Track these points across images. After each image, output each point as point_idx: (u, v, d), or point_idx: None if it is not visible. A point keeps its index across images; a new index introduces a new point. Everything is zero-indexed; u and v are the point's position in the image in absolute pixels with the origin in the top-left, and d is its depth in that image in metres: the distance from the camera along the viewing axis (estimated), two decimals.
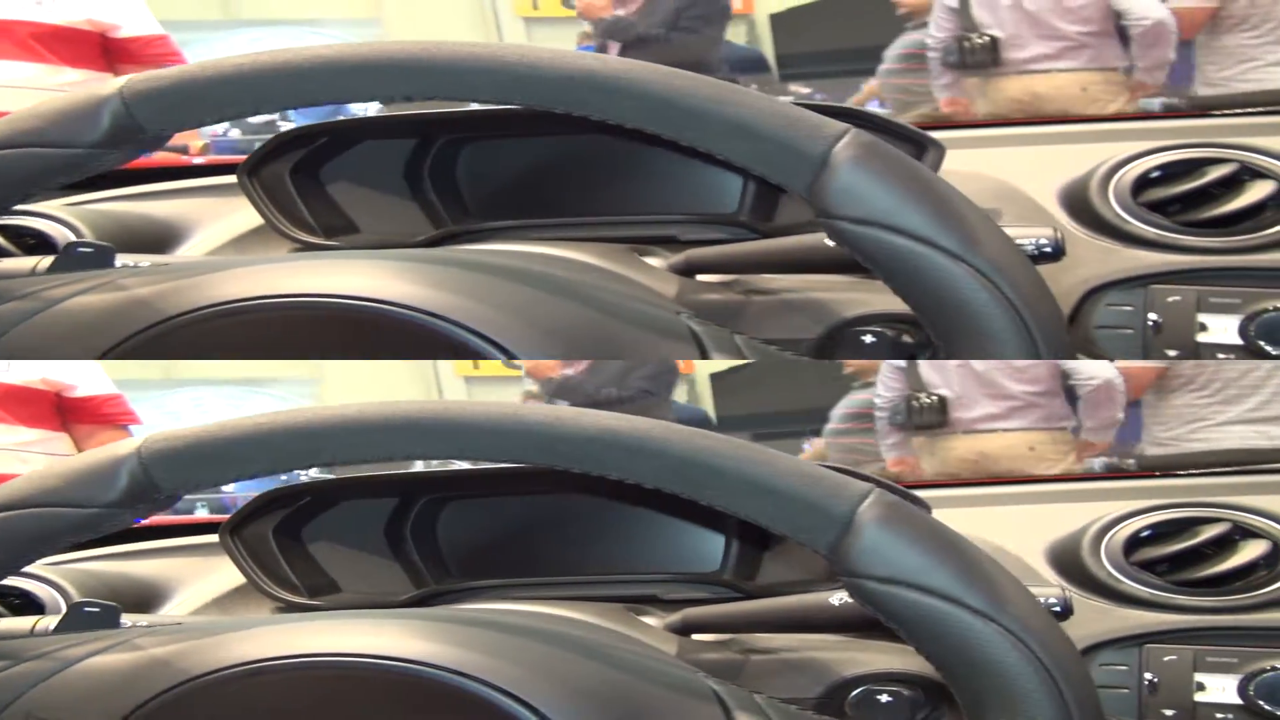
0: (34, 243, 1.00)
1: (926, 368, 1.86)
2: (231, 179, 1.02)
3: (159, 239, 1.01)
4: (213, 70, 0.55)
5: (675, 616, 0.80)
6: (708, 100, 0.51)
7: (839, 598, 0.76)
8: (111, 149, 0.57)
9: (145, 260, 0.71)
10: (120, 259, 0.72)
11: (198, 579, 1.01)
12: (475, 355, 0.55)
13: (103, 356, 0.58)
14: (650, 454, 0.49)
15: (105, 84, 0.57)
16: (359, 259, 0.59)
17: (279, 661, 0.53)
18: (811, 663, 0.78)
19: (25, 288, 0.61)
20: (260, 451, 0.53)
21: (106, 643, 0.56)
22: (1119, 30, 1.78)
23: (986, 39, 1.94)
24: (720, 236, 0.92)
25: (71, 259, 0.64)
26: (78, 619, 0.62)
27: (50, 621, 0.89)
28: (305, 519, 0.96)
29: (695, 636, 0.81)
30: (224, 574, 0.97)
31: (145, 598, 1.00)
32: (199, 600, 0.99)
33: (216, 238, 1.01)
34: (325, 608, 0.92)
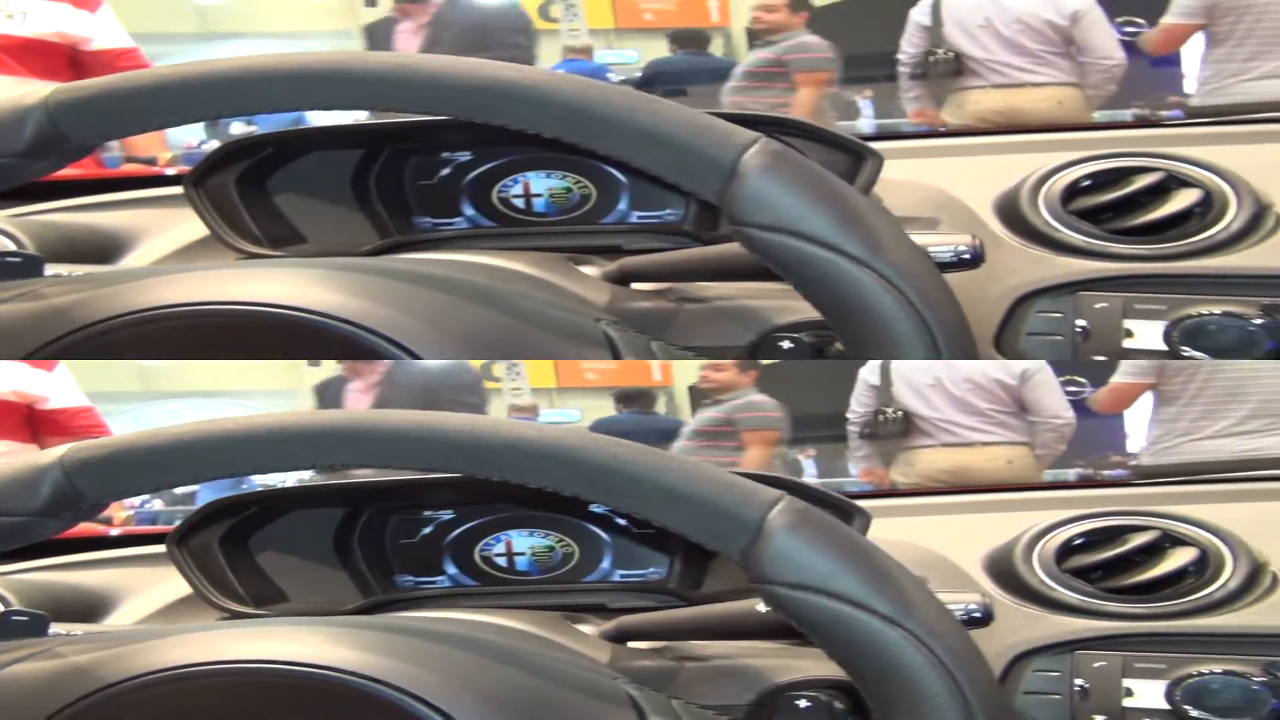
0: None
1: (901, 384, 1.90)
2: (177, 190, 1.02)
3: (103, 250, 1.01)
4: (141, 80, 0.56)
5: (610, 624, 0.80)
6: (619, 109, 0.52)
7: (763, 606, 0.76)
8: (34, 162, 0.58)
9: (78, 270, 0.71)
10: (53, 269, 0.72)
11: (145, 589, 1.01)
12: (383, 357, 0.56)
13: (27, 357, 0.58)
14: (565, 461, 0.50)
15: (28, 95, 0.57)
16: (278, 267, 0.60)
17: (192, 669, 0.53)
18: (745, 670, 0.78)
19: None
20: (183, 459, 0.53)
21: (28, 651, 0.56)
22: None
23: (951, 55, 2.03)
24: (664, 245, 0.93)
25: (2, 269, 0.64)
26: (5, 628, 0.62)
27: None
28: (253, 528, 0.96)
29: (630, 644, 0.81)
30: (172, 584, 0.97)
31: (91, 607, 1.00)
32: (146, 610, 0.99)
33: (161, 249, 1.01)
34: (270, 617, 0.93)
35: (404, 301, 0.56)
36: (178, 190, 1.02)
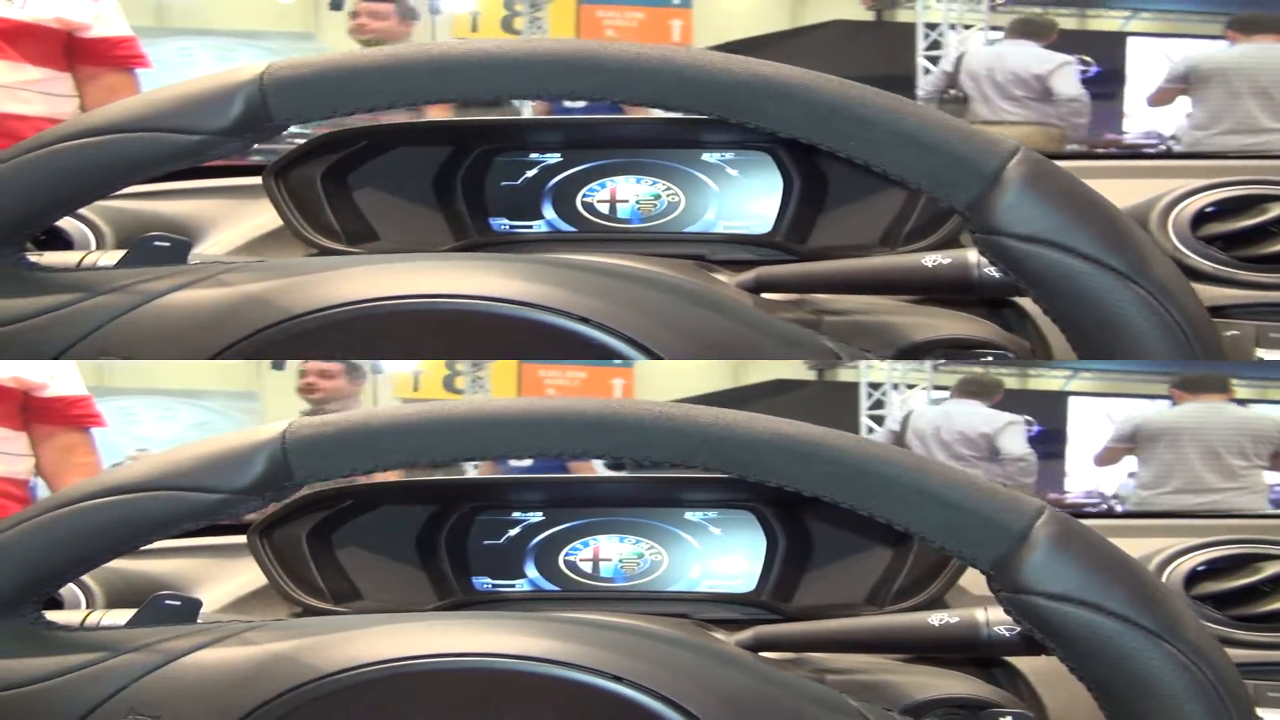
0: (43, 238, 0.97)
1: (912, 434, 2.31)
2: (243, 180, 0.99)
3: None
4: (354, 62, 0.53)
5: (746, 634, 0.79)
6: (881, 110, 0.51)
7: (939, 619, 0.76)
8: (234, 137, 0.55)
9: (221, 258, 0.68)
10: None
11: (234, 219, 0.97)
12: (621, 357, 0.54)
13: (217, 356, 0.56)
14: (822, 460, 0.49)
15: (243, 70, 0.55)
16: (476, 260, 0.58)
17: (418, 662, 0.50)
18: (884, 685, 0.77)
19: (112, 281, 0.58)
20: (408, 442, 0.51)
21: (210, 636, 0.53)
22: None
23: (961, 94, 2.87)
24: (749, 257, 0.92)
25: (148, 253, 0.61)
26: (156, 613, 0.58)
27: (101, 615, 0.85)
28: (338, 523, 0.94)
29: (764, 654, 0.80)
30: (263, 218, 0.94)
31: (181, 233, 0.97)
32: (234, 241, 0.95)
33: (231, 240, 0.99)
34: (347, 613, 0.90)
35: (636, 300, 0.54)
36: (241, 181, 0.99)
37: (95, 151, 0.55)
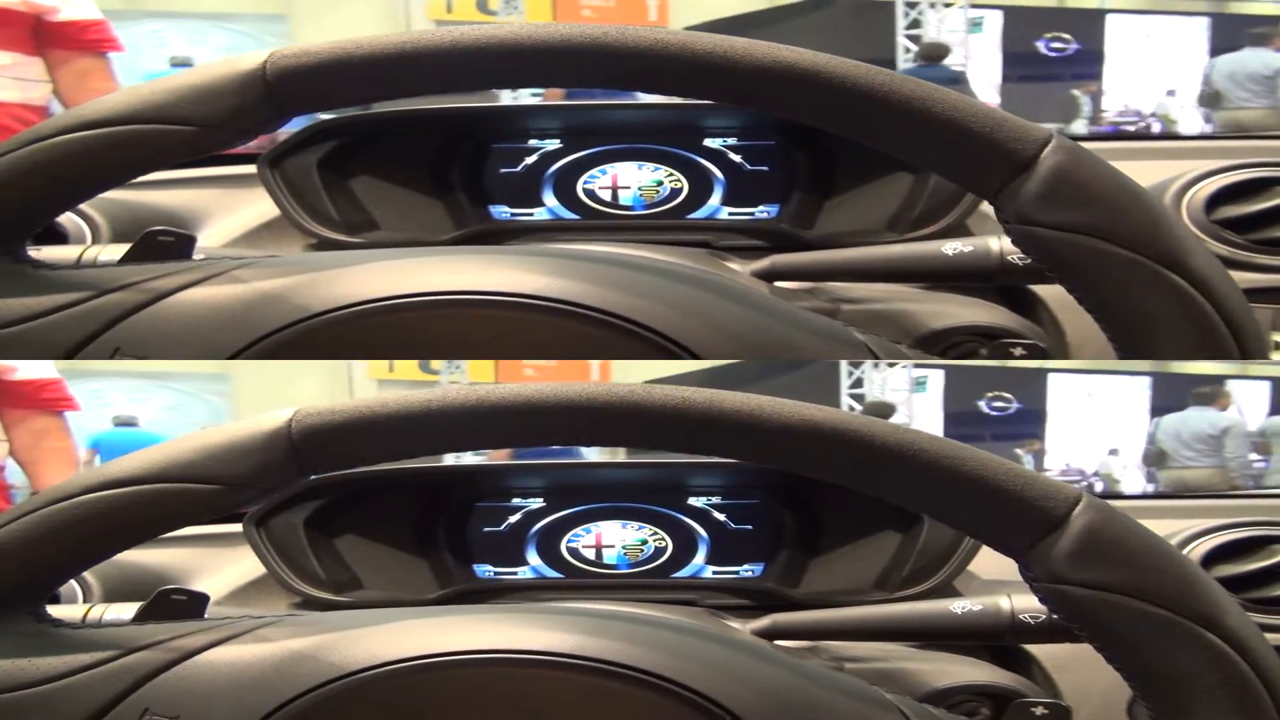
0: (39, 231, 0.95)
1: None
2: (238, 170, 0.97)
3: None
4: (364, 50, 0.52)
5: (763, 622, 0.78)
6: (910, 96, 0.49)
7: (961, 606, 0.75)
8: (239, 129, 0.53)
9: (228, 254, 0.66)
10: None
11: (227, 211, 0.96)
12: (656, 356, 0.53)
13: (235, 356, 0.54)
14: (853, 445, 0.47)
15: (244, 59, 0.53)
16: (504, 255, 0.56)
17: (446, 659, 0.49)
18: (902, 674, 0.77)
19: (120, 279, 0.56)
20: (420, 430, 0.49)
21: (224, 633, 0.52)
22: None
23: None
24: (753, 244, 0.91)
25: (153, 248, 0.59)
26: (162, 608, 0.56)
27: (103, 610, 0.83)
28: (337, 512, 0.92)
29: (779, 643, 0.79)
30: (258, 208, 0.93)
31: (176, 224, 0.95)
32: (229, 234, 0.94)
33: (227, 231, 0.97)
34: (350, 603, 0.89)
35: (672, 298, 0.53)
36: (236, 170, 0.98)
37: (97, 145, 0.54)
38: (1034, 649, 0.83)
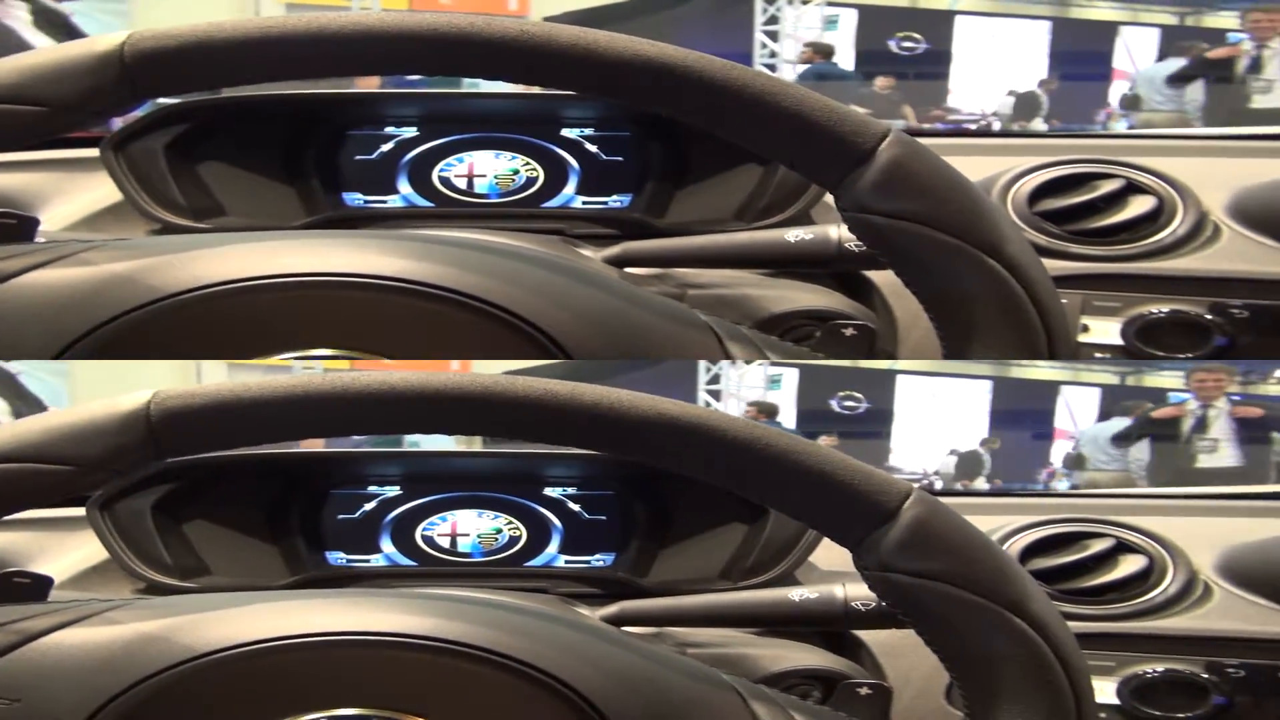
0: None
1: None
2: (79, 153, 0.95)
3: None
4: (224, 33, 0.51)
5: (611, 609, 0.80)
6: (762, 90, 0.51)
7: (799, 594, 0.78)
8: (91, 111, 0.52)
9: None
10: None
11: (67, 195, 0.94)
12: (525, 355, 0.53)
13: (82, 339, 0.53)
14: (700, 440, 0.49)
15: (102, 40, 0.52)
16: (362, 238, 0.56)
17: (292, 642, 0.49)
18: (741, 659, 0.79)
19: None
20: (278, 416, 0.49)
21: (70, 616, 0.51)
22: None
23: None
24: (607, 232, 0.92)
25: (6, 590, 0.58)
26: (5, 590, 0.56)
27: None
28: (184, 498, 0.91)
29: (626, 629, 0.81)
30: (100, 192, 0.91)
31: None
32: (69, 218, 0.92)
33: (67, 215, 0.95)
34: (197, 590, 0.88)
35: (527, 281, 0.54)
36: (74, 153, 0.95)
37: None
38: (866, 635, 0.86)
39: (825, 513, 0.51)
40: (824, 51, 5.19)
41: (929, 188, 0.51)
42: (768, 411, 6.20)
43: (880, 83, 5.34)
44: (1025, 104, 5.35)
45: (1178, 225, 0.87)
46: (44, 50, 0.52)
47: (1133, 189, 0.88)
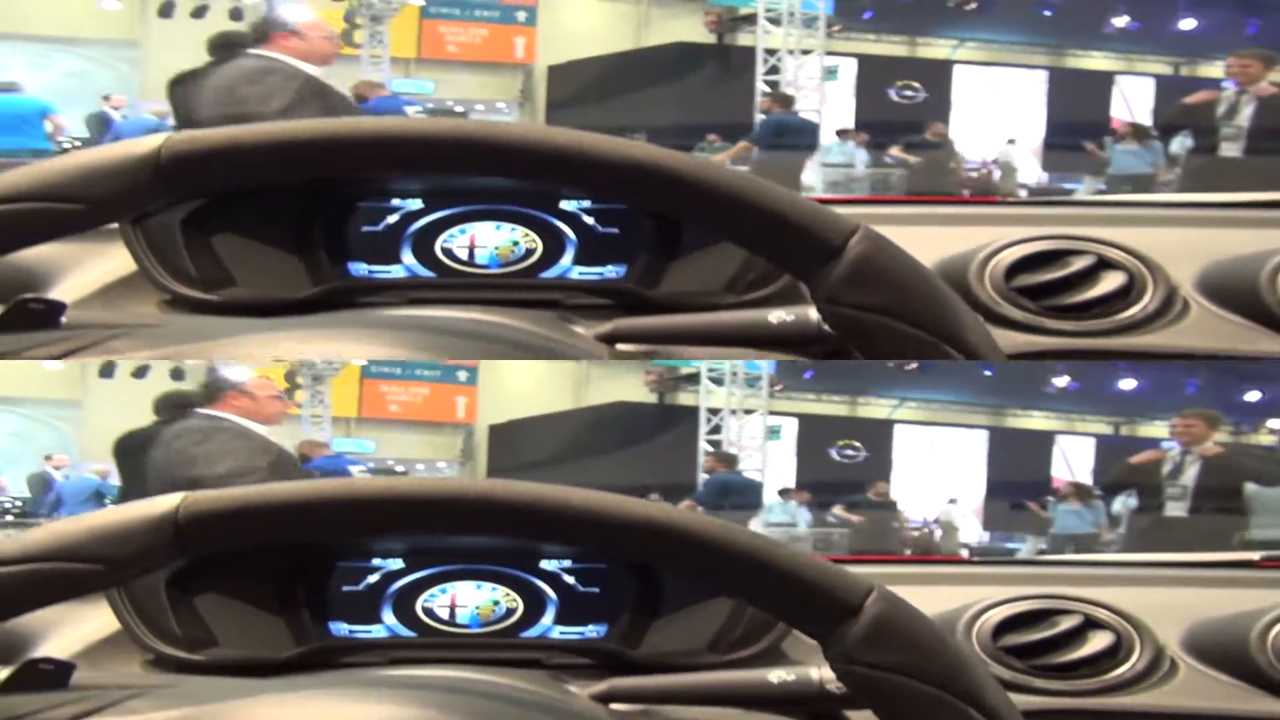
0: None
1: None
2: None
3: (23, 288, 0.97)
4: (255, 135, 0.55)
5: (600, 686, 0.83)
6: (741, 192, 0.55)
7: (778, 676, 0.81)
8: (129, 209, 0.57)
9: None
10: None
11: (65, 628, 0.97)
12: None
13: None
14: (681, 542, 0.53)
15: (140, 144, 0.56)
16: (370, 687, 0.62)
17: None
18: None
19: (9, 710, 0.59)
20: (291, 517, 0.53)
21: (89, 705, 0.54)
22: None
23: None
24: (603, 303, 0.95)
25: (24, 315, 0.62)
26: (29, 678, 0.59)
27: None
28: (195, 571, 0.93)
29: (614, 706, 0.84)
30: (97, 622, 0.94)
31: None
32: (68, 648, 0.95)
33: (83, 286, 0.97)
34: (204, 662, 0.90)
35: None
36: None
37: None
38: (852, 715, 0.89)
39: (794, 610, 0.55)
40: (783, 101, 5.27)
41: (894, 281, 0.55)
42: (726, 460, 6.25)
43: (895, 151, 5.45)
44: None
45: (1148, 301, 0.90)
46: (87, 152, 0.57)
47: (1104, 265, 0.92)
